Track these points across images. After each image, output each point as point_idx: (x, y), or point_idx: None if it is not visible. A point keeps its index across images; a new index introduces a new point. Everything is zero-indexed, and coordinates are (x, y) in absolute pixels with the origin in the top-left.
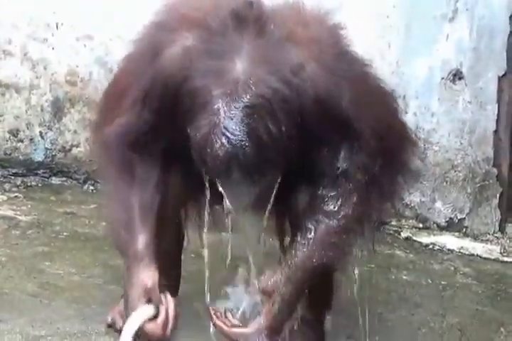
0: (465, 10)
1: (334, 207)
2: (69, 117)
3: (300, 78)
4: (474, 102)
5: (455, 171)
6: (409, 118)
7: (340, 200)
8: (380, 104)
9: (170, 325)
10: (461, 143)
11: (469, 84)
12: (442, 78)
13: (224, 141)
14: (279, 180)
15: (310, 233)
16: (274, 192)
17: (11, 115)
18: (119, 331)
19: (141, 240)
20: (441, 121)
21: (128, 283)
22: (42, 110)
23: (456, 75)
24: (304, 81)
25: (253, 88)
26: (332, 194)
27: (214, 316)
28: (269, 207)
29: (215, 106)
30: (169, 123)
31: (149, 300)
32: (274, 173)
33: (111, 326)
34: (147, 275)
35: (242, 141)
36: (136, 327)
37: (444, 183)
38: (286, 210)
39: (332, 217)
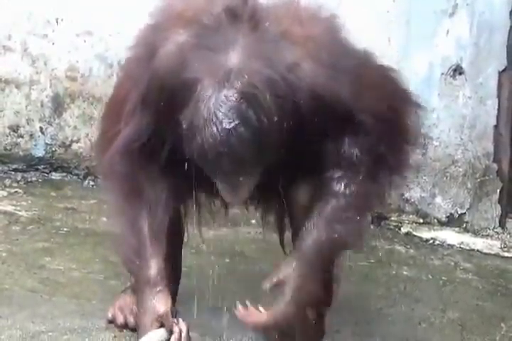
0: (465, 5)
1: (342, 187)
2: (69, 113)
3: (296, 76)
4: (474, 97)
5: (455, 166)
6: None
7: (346, 180)
8: (382, 87)
9: None
10: (462, 139)
11: (469, 79)
12: (442, 73)
13: (214, 129)
14: (278, 175)
15: (321, 214)
16: (279, 186)
17: (11, 111)
18: (119, 327)
19: (154, 266)
20: (442, 117)
21: (140, 309)
22: (42, 106)
23: (457, 70)
24: (299, 79)
25: (246, 77)
26: (339, 175)
27: (244, 315)
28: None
29: (207, 95)
30: (169, 122)
31: (162, 326)
32: (264, 163)
33: (111, 322)
34: (160, 302)
35: (232, 129)
36: None
37: (445, 178)
38: (286, 204)
39: (341, 195)
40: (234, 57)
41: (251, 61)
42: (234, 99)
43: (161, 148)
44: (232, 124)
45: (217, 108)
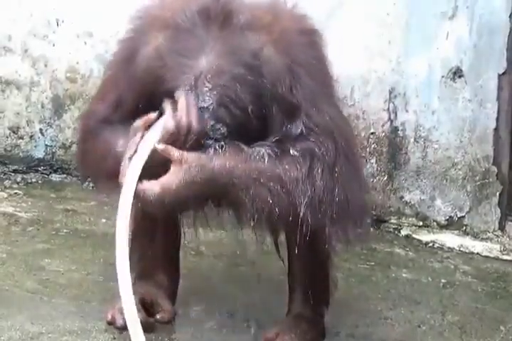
0: (465, 8)
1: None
2: (69, 114)
3: (259, 61)
4: (474, 100)
5: (455, 169)
6: (409, 116)
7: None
8: (332, 93)
9: (194, 114)
10: (461, 141)
11: (469, 82)
12: (442, 76)
13: (189, 134)
14: None
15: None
16: None
17: (11, 112)
18: (119, 328)
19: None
20: (442, 119)
21: (124, 140)
22: (42, 107)
23: (456, 73)
24: (261, 63)
25: (215, 79)
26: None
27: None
28: None
29: (181, 100)
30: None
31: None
32: None
33: (111, 323)
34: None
35: (207, 132)
36: (152, 142)
37: (444, 181)
38: None
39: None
40: (204, 61)
41: (219, 61)
42: (206, 103)
43: None
44: (207, 129)
45: (190, 112)
